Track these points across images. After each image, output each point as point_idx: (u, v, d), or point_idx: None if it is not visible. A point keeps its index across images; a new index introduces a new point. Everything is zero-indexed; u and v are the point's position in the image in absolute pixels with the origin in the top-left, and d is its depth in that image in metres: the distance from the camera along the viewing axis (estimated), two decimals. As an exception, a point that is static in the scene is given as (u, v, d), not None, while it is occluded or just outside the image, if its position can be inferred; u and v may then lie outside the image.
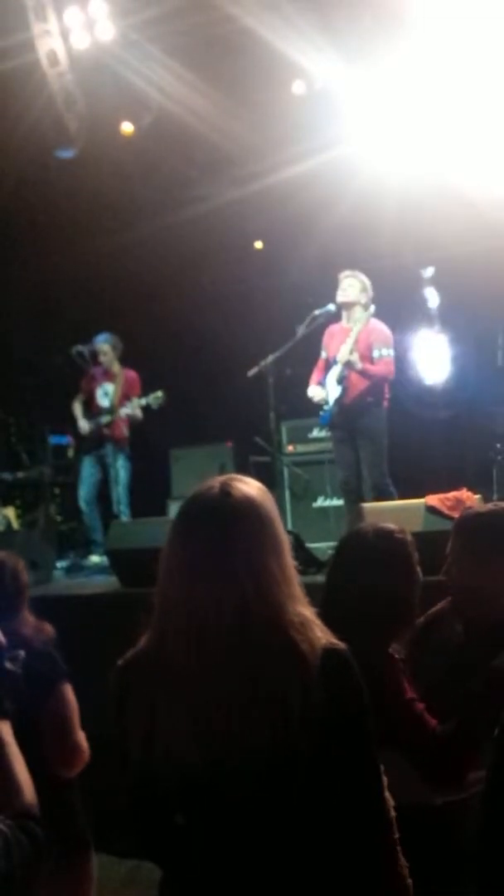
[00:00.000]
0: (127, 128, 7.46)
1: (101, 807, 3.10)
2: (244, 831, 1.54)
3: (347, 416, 6.00)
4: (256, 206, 8.84)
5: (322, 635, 1.64)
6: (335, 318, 6.25)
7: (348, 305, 6.09)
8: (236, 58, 6.98)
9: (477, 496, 4.56)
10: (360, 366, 5.87)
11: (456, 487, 4.60)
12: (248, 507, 1.67)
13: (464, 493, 4.50)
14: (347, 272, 6.14)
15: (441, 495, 4.49)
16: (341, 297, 6.06)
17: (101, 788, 2.69)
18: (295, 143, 8.09)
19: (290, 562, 1.69)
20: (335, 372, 5.97)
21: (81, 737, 2.88)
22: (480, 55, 6.36)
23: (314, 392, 6.14)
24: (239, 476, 1.76)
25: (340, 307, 6.15)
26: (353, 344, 5.92)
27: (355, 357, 5.87)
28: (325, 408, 6.05)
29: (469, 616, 2.40)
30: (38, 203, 7.87)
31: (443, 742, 2.10)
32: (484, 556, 2.37)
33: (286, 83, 7.08)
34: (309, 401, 6.27)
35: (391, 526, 2.43)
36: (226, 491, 1.68)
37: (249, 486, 1.72)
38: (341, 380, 5.93)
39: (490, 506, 2.62)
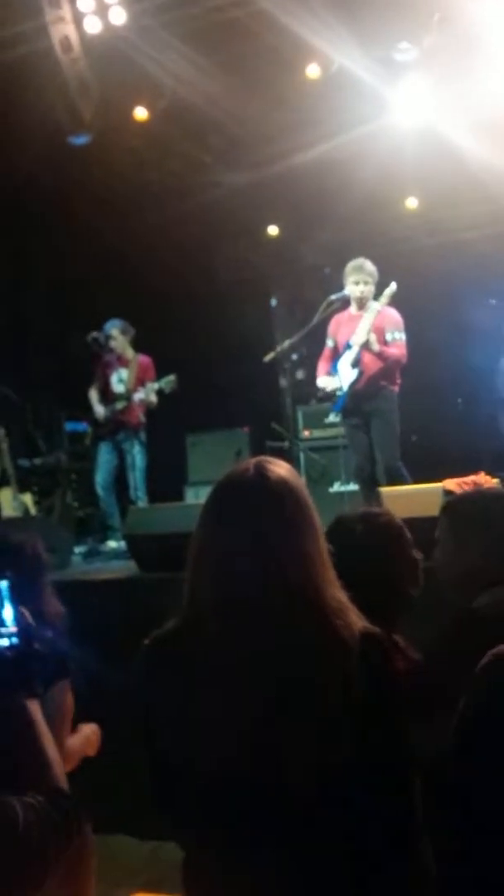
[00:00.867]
0: (141, 114, 7.44)
1: (121, 788, 3.13)
2: (275, 814, 1.53)
3: (361, 400, 5.96)
4: (271, 191, 8.82)
5: (357, 620, 1.62)
6: (345, 305, 6.23)
7: (361, 299, 6.07)
8: (250, 42, 6.94)
9: (495, 480, 4.56)
10: (377, 347, 5.83)
11: (473, 471, 4.60)
12: (285, 489, 1.66)
13: (482, 477, 4.51)
14: (353, 266, 6.07)
15: (459, 479, 4.49)
16: (355, 293, 6.02)
17: (120, 770, 2.72)
18: (310, 127, 8.07)
19: (325, 545, 1.68)
20: (350, 356, 5.93)
21: (71, 741, 2.73)
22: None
23: (325, 382, 6.10)
24: (271, 458, 1.75)
25: (349, 299, 6.14)
26: (371, 326, 5.88)
27: (373, 338, 5.84)
28: (339, 394, 6.01)
29: (452, 599, 2.38)
30: (54, 189, 7.87)
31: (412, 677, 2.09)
32: (463, 537, 2.36)
33: (301, 67, 7.03)
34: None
35: (376, 509, 2.41)
36: (261, 472, 1.67)
37: (282, 468, 1.71)
38: (356, 363, 5.89)
39: (475, 488, 2.61)
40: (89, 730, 2.87)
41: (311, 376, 6.52)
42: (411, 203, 8.82)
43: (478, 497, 2.48)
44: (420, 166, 8.13)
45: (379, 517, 2.38)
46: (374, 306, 5.96)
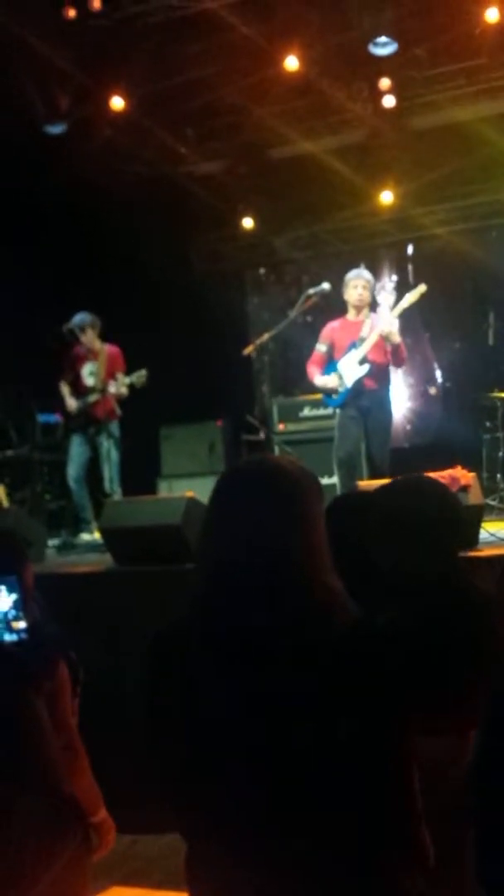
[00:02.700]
0: (117, 103, 7.39)
1: (99, 781, 3.11)
2: (278, 805, 1.54)
3: (362, 395, 6.14)
4: (247, 183, 8.82)
5: (351, 606, 1.64)
6: (322, 299, 6.33)
7: (359, 305, 6.24)
8: (227, 32, 6.92)
9: (471, 474, 4.58)
10: (398, 339, 6.03)
11: (450, 465, 4.62)
12: (286, 477, 1.68)
13: (458, 471, 4.52)
14: (354, 274, 6.25)
15: (435, 473, 4.49)
16: (357, 300, 6.20)
17: (97, 762, 2.70)
18: (287, 119, 8.08)
19: (324, 532, 1.69)
20: (357, 353, 6.11)
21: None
22: None
23: (325, 380, 6.24)
24: (278, 455, 1.79)
25: (327, 293, 6.27)
26: (396, 317, 6.11)
27: (396, 328, 6.04)
28: (341, 390, 6.17)
29: None
30: (28, 178, 7.79)
31: None
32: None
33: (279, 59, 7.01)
34: (300, 380, 6.32)
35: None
36: (263, 460, 1.72)
37: (285, 460, 1.74)
38: (364, 360, 6.09)
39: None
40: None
41: (287, 370, 6.55)
42: (386, 198, 8.85)
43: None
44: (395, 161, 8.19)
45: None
46: (405, 301, 6.16)
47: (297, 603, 1.58)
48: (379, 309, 6.21)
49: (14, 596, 1.72)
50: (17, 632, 1.72)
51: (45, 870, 1.53)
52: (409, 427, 8.99)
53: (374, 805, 1.55)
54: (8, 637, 1.73)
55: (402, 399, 7.76)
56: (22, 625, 1.72)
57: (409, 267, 9.38)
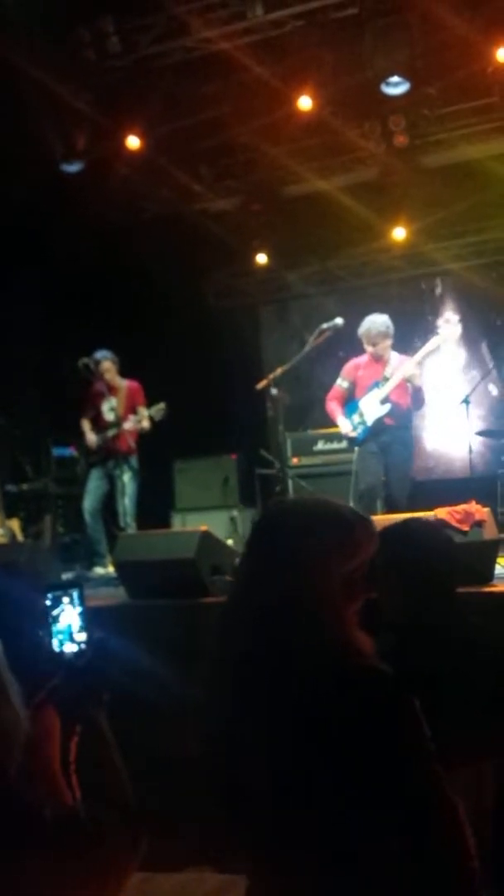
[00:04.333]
0: (133, 142, 7.49)
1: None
2: (304, 839, 1.52)
3: (385, 432, 6.23)
4: (261, 220, 8.91)
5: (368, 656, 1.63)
6: (336, 333, 6.41)
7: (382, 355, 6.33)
8: (241, 73, 7.02)
9: (486, 508, 4.57)
10: (419, 382, 6.14)
11: (465, 500, 4.61)
12: (275, 524, 1.73)
13: (473, 506, 4.51)
14: (375, 331, 6.28)
15: (450, 508, 4.49)
16: (382, 352, 6.28)
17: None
18: (300, 157, 8.17)
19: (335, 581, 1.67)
20: (380, 393, 6.22)
21: None
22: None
23: (343, 424, 6.38)
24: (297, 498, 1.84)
25: (340, 328, 6.32)
26: (421, 359, 6.20)
27: (419, 372, 6.15)
28: (361, 428, 6.27)
29: None
30: (45, 217, 7.90)
31: None
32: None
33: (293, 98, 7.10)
34: (314, 414, 6.39)
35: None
36: (269, 508, 1.75)
37: (292, 503, 1.78)
38: (386, 399, 6.19)
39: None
40: None
41: (300, 403, 6.61)
42: (398, 234, 8.92)
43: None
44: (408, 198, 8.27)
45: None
46: (431, 344, 6.25)
47: (307, 655, 1.57)
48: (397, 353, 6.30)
49: (79, 608, 1.76)
50: (79, 643, 1.76)
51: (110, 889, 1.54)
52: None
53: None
54: (67, 647, 1.76)
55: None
56: (83, 636, 1.76)
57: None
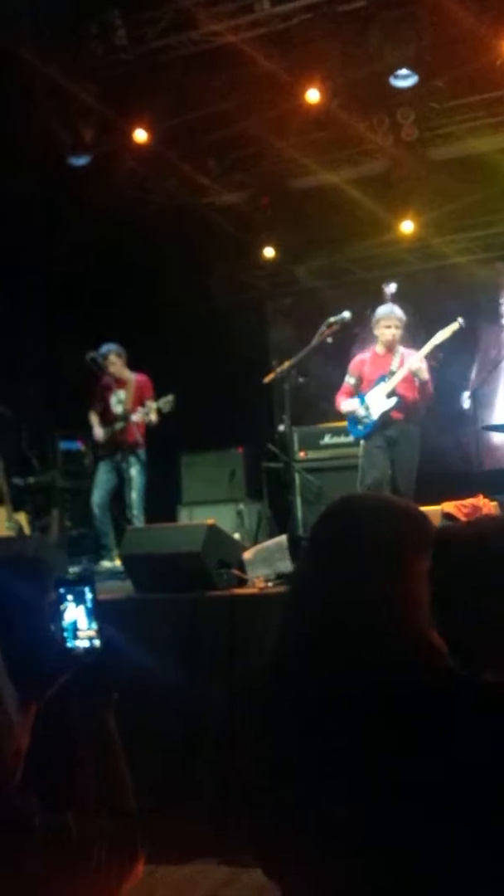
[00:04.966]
0: (140, 135, 7.48)
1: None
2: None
3: (389, 426, 6.23)
4: (268, 213, 8.88)
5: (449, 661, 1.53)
6: (351, 327, 6.41)
7: (391, 342, 6.34)
8: (249, 66, 7.00)
9: (494, 503, 4.57)
10: (426, 376, 6.14)
11: (472, 495, 4.61)
12: (344, 525, 1.61)
13: (480, 500, 4.51)
14: (386, 312, 6.33)
15: (458, 502, 4.50)
16: (389, 340, 6.30)
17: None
18: (308, 150, 8.15)
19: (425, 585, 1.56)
20: (386, 387, 6.22)
21: None
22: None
23: (350, 404, 6.35)
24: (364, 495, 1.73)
25: (348, 322, 6.32)
26: (427, 354, 6.20)
27: (424, 366, 6.14)
28: (367, 421, 6.25)
29: None
30: (52, 209, 7.90)
31: None
32: None
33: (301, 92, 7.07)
34: (322, 408, 6.38)
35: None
36: (346, 499, 1.68)
37: (372, 498, 1.70)
38: (393, 393, 6.18)
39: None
40: None
41: (310, 397, 6.61)
42: (406, 227, 8.89)
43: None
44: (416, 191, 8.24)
45: None
46: (437, 338, 6.25)
47: (400, 654, 1.45)
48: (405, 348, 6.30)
49: (91, 605, 1.74)
50: (90, 639, 1.73)
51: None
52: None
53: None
54: (78, 643, 1.73)
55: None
56: (92, 632, 1.73)
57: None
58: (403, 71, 6.66)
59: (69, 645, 1.72)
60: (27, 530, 7.18)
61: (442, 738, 1.36)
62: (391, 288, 6.33)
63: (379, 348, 6.39)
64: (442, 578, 1.62)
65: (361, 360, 6.47)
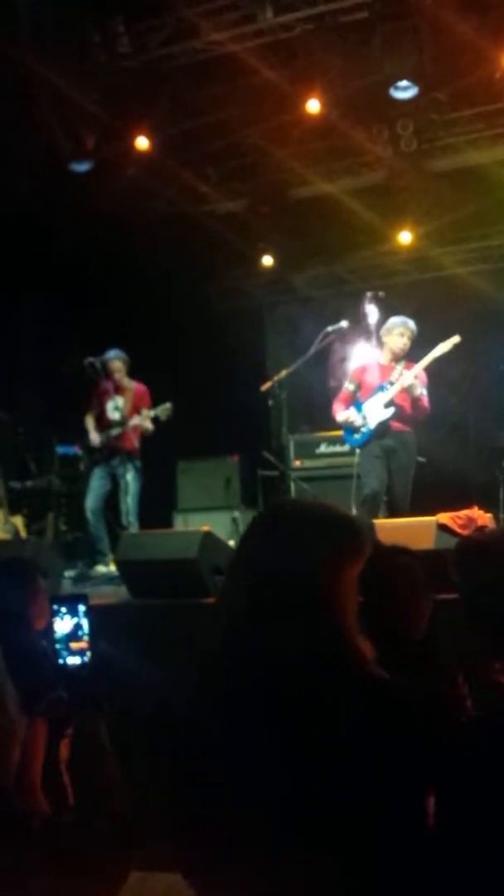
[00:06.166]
0: (142, 143, 7.51)
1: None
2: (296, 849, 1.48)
3: (389, 436, 6.21)
4: (266, 222, 8.92)
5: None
6: (341, 336, 6.39)
7: (401, 352, 6.31)
8: (250, 76, 7.04)
9: (489, 514, 4.58)
10: (420, 392, 6.10)
11: (466, 505, 4.63)
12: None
13: (475, 512, 4.53)
14: (399, 321, 6.30)
15: (452, 513, 4.51)
16: (400, 349, 6.25)
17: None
18: (307, 160, 8.18)
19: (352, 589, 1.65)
20: (384, 396, 6.19)
21: None
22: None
23: (348, 415, 6.33)
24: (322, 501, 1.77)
25: (345, 331, 6.31)
26: (421, 370, 6.17)
27: (417, 382, 6.11)
28: (364, 430, 6.23)
29: None
30: (53, 216, 7.93)
31: None
32: None
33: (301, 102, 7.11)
34: (317, 417, 6.37)
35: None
36: (279, 503, 1.72)
37: (303, 505, 1.74)
38: (391, 403, 6.16)
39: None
40: None
41: (304, 405, 6.61)
42: (404, 238, 8.93)
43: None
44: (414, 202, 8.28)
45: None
46: (436, 351, 6.22)
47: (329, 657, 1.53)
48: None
49: (75, 620, 1.76)
50: (80, 653, 1.75)
51: None
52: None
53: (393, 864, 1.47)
54: (69, 659, 1.76)
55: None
56: (83, 645, 1.75)
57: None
58: (404, 82, 6.69)
59: (62, 661, 1.74)
60: (23, 533, 7.18)
61: (344, 735, 1.46)
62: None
63: (384, 357, 6.38)
64: (469, 588, 1.68)
65: (363, 367, 6.46)
